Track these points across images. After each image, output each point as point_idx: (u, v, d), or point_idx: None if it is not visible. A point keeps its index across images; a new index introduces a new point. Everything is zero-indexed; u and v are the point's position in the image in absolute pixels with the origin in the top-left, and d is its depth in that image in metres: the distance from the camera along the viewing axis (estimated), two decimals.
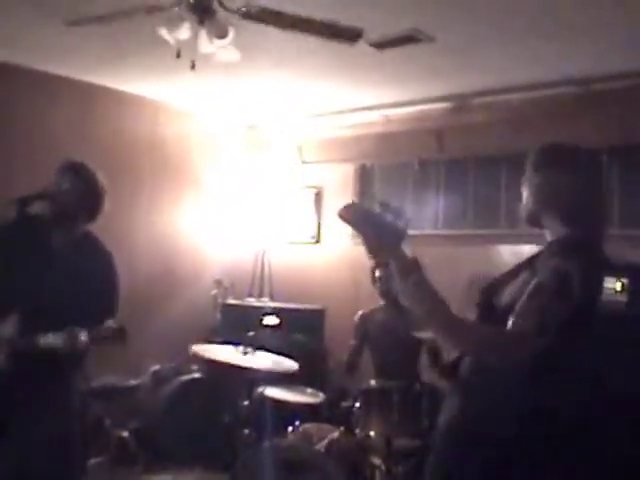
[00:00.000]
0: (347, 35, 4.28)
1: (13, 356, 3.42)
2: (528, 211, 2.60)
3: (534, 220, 2.58)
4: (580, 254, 2.37)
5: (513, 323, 2.29)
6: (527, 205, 2.61)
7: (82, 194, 3.60)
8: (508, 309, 2.35)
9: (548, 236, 2.54)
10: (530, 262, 2.52)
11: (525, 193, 2.62)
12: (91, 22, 4.23)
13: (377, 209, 2.29)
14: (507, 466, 2.32)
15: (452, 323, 2.30)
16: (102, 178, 3.69)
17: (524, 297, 2.32)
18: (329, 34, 4.26)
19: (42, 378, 3.42)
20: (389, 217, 2.29)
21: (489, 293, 2.54)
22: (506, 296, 2.45)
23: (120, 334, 3.45)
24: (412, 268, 2.32)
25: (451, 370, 2.56)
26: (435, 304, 2.29)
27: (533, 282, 2.34)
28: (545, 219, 2.54)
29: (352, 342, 5.41)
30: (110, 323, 3.48)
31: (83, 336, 3.30)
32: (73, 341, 3.28)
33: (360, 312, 5.39)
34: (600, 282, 2.50)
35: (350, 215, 2.29)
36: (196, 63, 4.02)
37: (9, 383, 3.41)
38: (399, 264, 2.33)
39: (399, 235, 2.30)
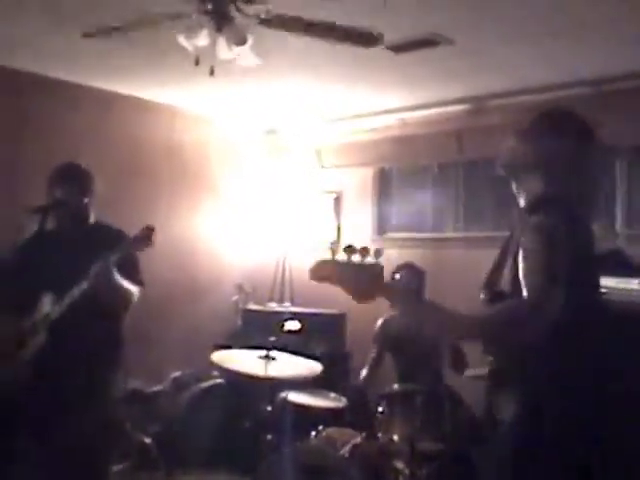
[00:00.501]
0: (365, 40, 4.27)
1: (52, 331, 3.59)
2: (515, 155, 2.60)
3: (519, 165, 2.58)
4: (559, 207, 2.38)
5: (527, 291, 2.27)
6: (513, 148, 2.61)
7: (79, 192, 3.82)
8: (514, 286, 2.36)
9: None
10: (510, 236, 2.52)
11: (514, 139, 2.63)
12: (108, 33, 4.25)
13: (344, 255, 2.30)
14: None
15: (470, 327, 2.29)
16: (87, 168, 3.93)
17: (521, 267, 2.32)
18: (347, 39, 4.25)
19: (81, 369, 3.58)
20: (357, 260, 2.30)
21: (490, 285, 2.53)
22: (505, 278, 2.45)
23: (149, 231, 3.55)
24: (405, 298, 2.34)
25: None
26: (444, 318, 2.28)
27: (521, 248, 2.34)
28: (531, 166, 2.55)
29: (372, 354, 5.41)
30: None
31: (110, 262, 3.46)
32: (104, 270, 3.45)
33: (380, 320, 5.39)
34: (588, 232, 2.48)
35: (321, 274, 2.31)
36: (214, 69, 4.02)
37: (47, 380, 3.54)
38: (391, 299, 2.36)
39: (377, 273, 2.29)
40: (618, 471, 2.37)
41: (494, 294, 2.51)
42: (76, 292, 3.51)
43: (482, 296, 2.55)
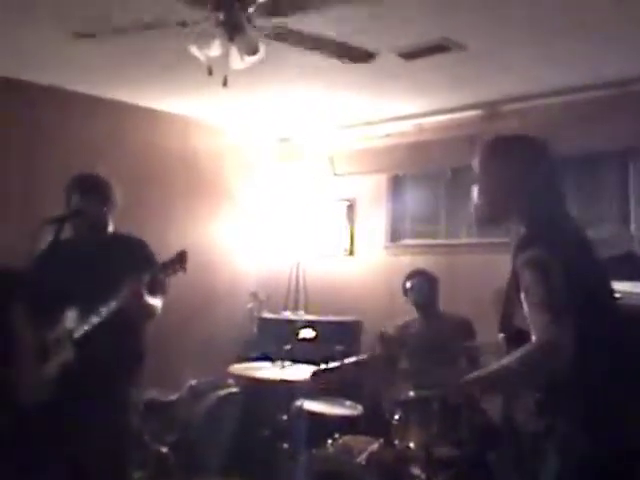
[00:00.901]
0: (359, 57, 4.42)
1: (77, 345, 3.58)
2: (482, 211, 2.59)
3: (490, 219, 2.58)
4: (542, 240, 2.38)
5: (535, 335, 2.27)
6: (480, 205, 2.60)
7: (98, 201, 3.80)
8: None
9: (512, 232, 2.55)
10: (512, 275, 2.51)
11: (475, 193, 2.63)
12: (108, 34, 4.26)
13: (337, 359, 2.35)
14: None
15: (488, 386, 2.31)
16: (105, 177, 3.92)
17: (526, 311, 2.32)
18: (341, 55, 4.41)
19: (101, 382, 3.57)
20: (351, 359, 2.35)
21: (505, 329, 2.53)
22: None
23: (182, 256, 3.60)
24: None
25: None
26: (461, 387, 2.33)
27: (521, 285, 2.35)
28: (501, 215, 2.56)
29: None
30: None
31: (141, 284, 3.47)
32: (137, 293, 3.45)
33: (399, 322, 5.37)
34: (578, 248, 2.48)
35: (322, 381, 2.35)
36: (227, 79, 4.04)
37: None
38: None
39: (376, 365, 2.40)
40: None
41: (511, 333, 2.50)
42: (104, 311, 3.50)
43: (500, 335, 2.55)
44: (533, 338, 2.27)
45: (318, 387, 2.24)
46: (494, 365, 2.34)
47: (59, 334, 3.64)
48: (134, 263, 3.61)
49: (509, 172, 2.56)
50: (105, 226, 3.86)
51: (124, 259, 3.66)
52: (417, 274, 5.30)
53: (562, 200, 2.63)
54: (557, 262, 2.28)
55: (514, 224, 2.53)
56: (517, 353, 2.36)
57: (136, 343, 3.86)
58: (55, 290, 3.76)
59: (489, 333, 2.61)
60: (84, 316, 3.57)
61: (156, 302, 3.74)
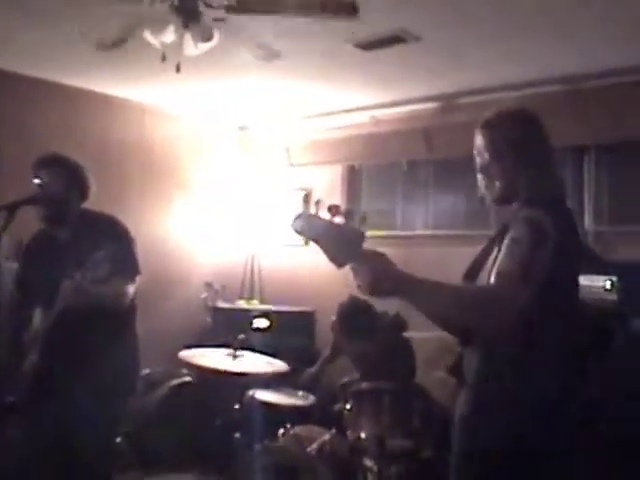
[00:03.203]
0: (342, 9, 4.20)
1: (46, 348, 3.49)
2: (496, 189, 2.59)
3: (504, 197, 2.57)
4: (546, 204, 2.37)
5: (496, 278, 2.28)
6: (492, 185, 2.59)
7: (63, 180, 3.67)
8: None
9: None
10: (501, 229, 2.51)
11: (482, 176, 2.62)
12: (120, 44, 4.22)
13: (328, 214, 2.24)
14: (517, 462, 2.30)
15: (430, 290, 2.24)
16: (75, 160, 3.79)
17: (502, 255, 2.31)
18: (324, 12, 4.18)
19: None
20: (342, 221, 2.23)
21: (471, 275, 2.53)
22: (487, 270, 2.45)
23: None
24: (380, 263, 2.26)
25: (456, 368, 2.55)
26: (416, 286, 2.23)
27: (506, 239, 2.34)
28: (509, 189, 2.54)
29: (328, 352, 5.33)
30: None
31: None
32: (73, 291, 3.26)
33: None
34: (573, 229, 2.50)
35: (302, 226, 2.23)
36: (182, 65, 4.00)
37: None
38: (368, 264, 2.24)
39: (357, 237, 2.22)
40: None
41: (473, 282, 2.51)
42: (54, 311, 3.36)
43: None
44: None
45: (296, 231, 2.12)
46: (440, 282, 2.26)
47: (30, 334, 3.59)
48: (102, 245, 3.37)
49: (526, 146, 2.52)
50: (68, 205, 3.69)
51: (92, 242, 3.41)
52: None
53: (559, 178, 2.68)
54: (553, 228, 2.27)
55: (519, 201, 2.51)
56: (472, 285, 2.40)
57: (111, 331, 3.69)
58: (27, 287, 3.73)
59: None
60: (46, 314, 3.48)
61: (120, 287, 3.57)
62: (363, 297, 4.51)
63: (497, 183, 2.55)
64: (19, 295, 3.81)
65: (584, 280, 4.02)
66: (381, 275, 2.21)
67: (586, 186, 5.82)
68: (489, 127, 2.58)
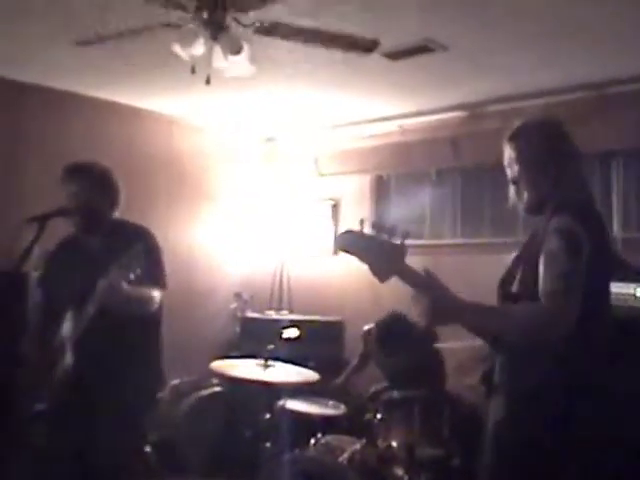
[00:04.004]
0: (362, 46, 4.27)
1: (78, 354, 3.52)
2: (526, 199, 2.59)
3: (535, 206, 2.58)
4: (575, 208, 2.39)
5: (542, 296, 2.29)
6: (522, 195, 2.60)
7: (92, 188, 3.67)
8: (525, 288, 2.38)
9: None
10: (532, 237, 2.53)
11: (513, 187, 2.63)
12: (102, 41, 4.24)
13: (371, 231, 2.31)
14: (553, 468, 2.30)
15: (486, 316, 2.31)
16: (103, 165, 3.80)
17: (541, 269, 2.32)
18: (344, 46, 4.26)
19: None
20: (385, 237, 2.31)
21: (507, 284, 2.54)
22: (520, 279, 2.47)
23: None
24: (427, 282, 2.33)
25: (488, 376, 2.56)
26: (464, 306, 2.29)
27: (543, 252, 2.35)
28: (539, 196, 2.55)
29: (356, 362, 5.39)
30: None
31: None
32: (110, 289, 3.27)
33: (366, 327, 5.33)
34: (604, 233, 2.50)
35: (345, 243, 2.32)
36: (211, 78, 4.02)
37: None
38: (411, 280, 2.33)
39: (399, 252, 2.32)
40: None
41: (508, 294, 2.53)
42: (89, 311, 3.40)
43: (499, 293, 2.57)
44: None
45: (342, 249, 2.25)
46: (494, 306, 2.34)
47: (60, 338, 3.60)
48: (132, 255, 3.38)
49: (554, 156, 2.56)
50: (100, 213, 3.70)
51: (121, 251, 3.41)
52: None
53: (588, 185, 2.68)
54: (586, 235, 2.29)
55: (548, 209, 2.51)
56: (524, 305, 2.39)
57: (140, 338, 3.71)
58: (53, 291, 3.75)
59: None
60: (79, 319, 3.50)
61: (149, 292, 3.57)
62: (402, 312, 4.58)
63: (526, 194, 2.57)
64: (43, 299, 3.84)
65: (613, 287, 4.00)
66: (441, 307, 2.30)
67: (614, 192, 5.77)
68: (516, 139, 2.60)
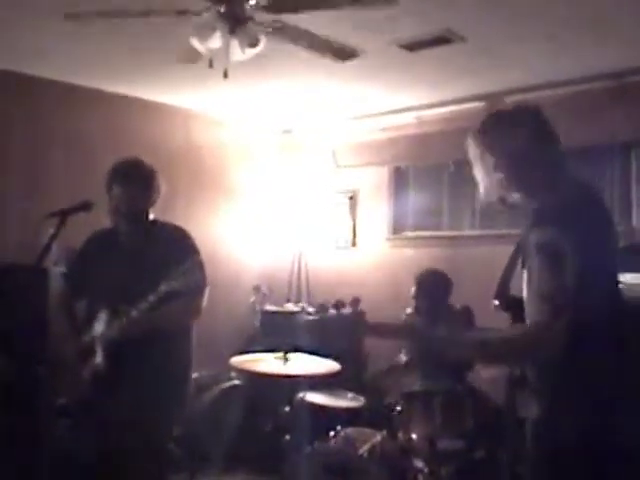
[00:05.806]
0: (342, 54, 4.61)
1: (110, 352, 3.51)
2: (491, 190, 2.58)
3: (501, 199, 2.56)
4: (556, 215, 2.32)
5: (529, 319, 2.29)
6: (488, 186, 2.59)
7: (138, 189, 3.69)
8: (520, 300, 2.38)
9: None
10: (518, 249, 2.50)
11: (480, 176, 2.62)
12: (90, 17, 4.20)
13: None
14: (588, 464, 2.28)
15: (468, 349, 2.35)
16: (150, 165, 3.80)
17: (525, 288, 2.32)
18: (326, 52, 4.55)
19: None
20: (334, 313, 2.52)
21: (502, 293, 2.51)
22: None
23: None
24: (401, 332, 2.45)
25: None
26: (446, 343, 2.35)
27: (526, 268, 2.33)
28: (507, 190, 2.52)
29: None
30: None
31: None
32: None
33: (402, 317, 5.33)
34: (600, 231, 2.42)
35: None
36: (228, 71, 4.02)
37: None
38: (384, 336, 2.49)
39: (355, 322, 2.54)
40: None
41: (508, 301, 2.49)
42: (120, 328, 3.43)
43: (495, 303, 2.51)
44: (527, 320, 2.30)
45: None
46: (481, 334, 2.38)
47: (92, 335, 3.58)
48: (175, 256, 3.50)
49: (516, 143, 2.48)
50: (144, 213, 3.73)
51: (165, 252, 3.54)
52: (429, 275, 5.12)
53: (566, 165, 2.53)
54: (569, 247, 2.20)
55: (524, 200, 2.47)
56: (507, 331, 2.41)
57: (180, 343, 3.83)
58: (81, 283, 3.76)
59: (492, 325, 2.59)
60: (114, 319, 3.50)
61: (199, 300, 3.84)
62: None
63: (499, 188, 2.54)
64: (71, 291, 3.84)
65: (631, 278, 3.97)
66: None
67: (633, 183, 5.73)
68: (479, 134, 2.57)
